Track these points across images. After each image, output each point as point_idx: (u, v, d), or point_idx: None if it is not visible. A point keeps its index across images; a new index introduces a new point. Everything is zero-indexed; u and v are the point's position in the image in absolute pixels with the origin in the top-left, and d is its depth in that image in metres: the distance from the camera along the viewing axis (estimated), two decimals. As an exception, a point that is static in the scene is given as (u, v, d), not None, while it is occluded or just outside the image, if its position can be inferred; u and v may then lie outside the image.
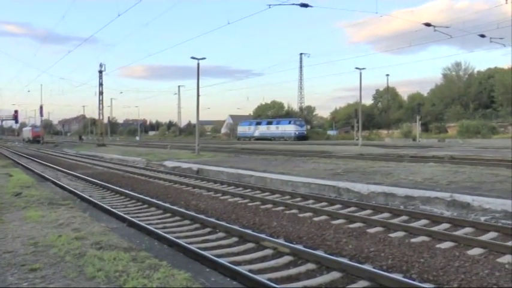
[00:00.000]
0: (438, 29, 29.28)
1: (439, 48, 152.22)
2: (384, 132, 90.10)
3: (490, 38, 31.45)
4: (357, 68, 52.25)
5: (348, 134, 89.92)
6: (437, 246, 8.83)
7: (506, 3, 24.80)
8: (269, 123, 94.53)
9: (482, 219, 11.30)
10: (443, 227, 10.73)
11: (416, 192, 13.47)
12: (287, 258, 7.96)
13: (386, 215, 12.20)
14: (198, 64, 38.01)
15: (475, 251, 8.56)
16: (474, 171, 18.38)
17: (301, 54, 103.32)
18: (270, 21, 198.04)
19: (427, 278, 6.88)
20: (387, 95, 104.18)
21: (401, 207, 13.16)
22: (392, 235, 9.82)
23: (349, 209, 13.06)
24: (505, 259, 8.00)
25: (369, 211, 12.73)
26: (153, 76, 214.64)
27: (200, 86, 38.51)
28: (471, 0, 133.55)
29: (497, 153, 32.64)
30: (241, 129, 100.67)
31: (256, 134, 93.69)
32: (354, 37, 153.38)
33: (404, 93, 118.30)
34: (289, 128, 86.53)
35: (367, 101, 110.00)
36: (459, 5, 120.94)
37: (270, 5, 23.96)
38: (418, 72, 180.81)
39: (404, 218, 11.81)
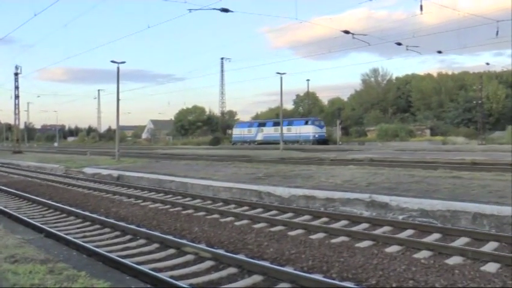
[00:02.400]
0: (356, 37, 30.06)
1: (359, 55, 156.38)
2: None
3: (406, 46, 32.66)
4: (277, 73, 52.89)
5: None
6: (357, 245, 9.11)
7: (422, 13, 25.80)
8: (277, 124, 75.97)
9: (400, 218, 11.72)
10: (362, 226, 11.07)
11: (336, 194, 13.76)
12: (209, 263, 7.95)
13: (307, 217, 12.42)
14: (118, 68, 37.37)
15: (393, 249, 8.91)
16: (392, 173, 19.01)
17: (222, 58, 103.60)
18: (191, 25, 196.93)
19: (347, 276, 7.05)
20: (308, 100, 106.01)
21: (322, 209, 13.42)
22: (312, 237, 10.01)
23: (270, 213, 13.21)
24: (421, 255, 8.40)
25: (290, 214, 12.91)
26: (73, 79, 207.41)
27: (120, 90, 37.85)
28: (390, 10, 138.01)
29: (414, 155, 33.93)
30: (238, 132, 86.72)
31: (260, 137, 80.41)
32: (275, 42, 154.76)
33: (324, 98, 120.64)
34: (307, 130, 73.14)
35: (288, 105, 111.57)
36: (378, 14, 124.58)
37: (190, 10, 23.91)
38: (339, 78, 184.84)
39: (324, 219, 12.06)
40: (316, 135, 72.12)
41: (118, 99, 37.72)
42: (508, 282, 6.67)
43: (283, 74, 53.21)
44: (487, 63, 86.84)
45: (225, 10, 23.62)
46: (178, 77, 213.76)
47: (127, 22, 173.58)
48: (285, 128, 71.63)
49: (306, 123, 74.71)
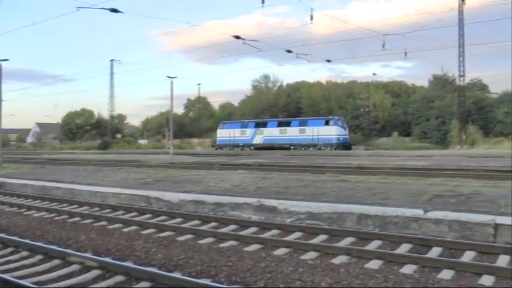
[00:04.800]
0: (247, 42, 30.58)
1: (252, 60, 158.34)
2: (196, 140, 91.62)
3: (297, 53, 33.67)
4: (168, 77, 52.58)
5: (159, 142, 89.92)
6: (245, 249, 9.25)
7: (312, 23, 26.74)
8: (284, 124, 68.13)
9: (288, 221, 11.97)
10: (251, 230, 11.21)
11: (225, 199, 13.86)
12: (95, 272, 7.75)
13: (196, 222, 12.41)
14: (0, 66, 35.52)
15: (281, 251, 9.12)
16: (281, 177, 19.39)
17: (112, 60, 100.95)
18: (80, 24, 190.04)
19: (235, 280, 7.13)
20: (199, 104, 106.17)
21: (211, 214, 13.45)
22: (201, 242, 10.03)
23: (159, 218, 13.09)
24: (308, 256, 8.70)
25: (179, 219, 12.86)
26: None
27: (4, 91, 36.12)
28: (282, 18, 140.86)
29: (303, 160, 34.86)
30: (225, 134, 71.76)
31: (258, 140, 67.68)
32: (167, 46, 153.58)
33: (216, 102, 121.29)
34: (328, 132, 60.84)
35: (179, 109, 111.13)
36: (270, 21, 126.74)
37: (78, 8, 23.36)
38: (231, 83, 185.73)
39: (213, 224, 12.11)
40: (341, 138, 61.00)
41: (0, 100, 35.98)
42: (390, 277, 7.03)
43: (174, 77, 52.93)
44: (374, 74, 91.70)
45: (115, 10, 23.28)
46: (67, 78, 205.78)
47: (11, 17, 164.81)
48: (296, 129, 64.69)
49: (327, 123, 62.68)
